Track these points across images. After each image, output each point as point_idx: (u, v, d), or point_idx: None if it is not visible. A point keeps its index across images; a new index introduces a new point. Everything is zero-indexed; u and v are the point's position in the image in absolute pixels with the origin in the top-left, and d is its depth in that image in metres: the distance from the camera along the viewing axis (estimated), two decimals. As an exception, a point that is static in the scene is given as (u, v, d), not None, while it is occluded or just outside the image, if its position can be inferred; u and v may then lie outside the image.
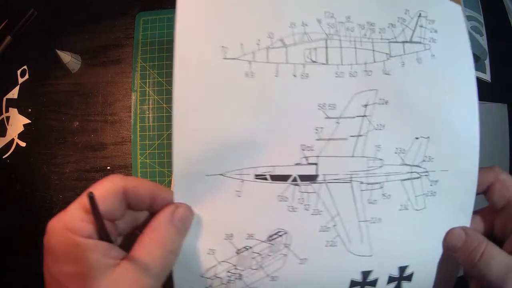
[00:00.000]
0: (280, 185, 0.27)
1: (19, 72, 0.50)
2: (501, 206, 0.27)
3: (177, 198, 0.25)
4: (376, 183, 0.28)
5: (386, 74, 0.28)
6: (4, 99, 0.50)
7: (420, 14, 0.29)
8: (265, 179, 0.27)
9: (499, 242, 0.27)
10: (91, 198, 0.21)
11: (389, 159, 0.28)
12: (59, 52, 0.46)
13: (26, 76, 0.50)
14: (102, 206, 0.22)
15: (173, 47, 0.25)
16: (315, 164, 0.27)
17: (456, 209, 0.29)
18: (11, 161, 0.48)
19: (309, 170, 0.27)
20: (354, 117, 0.27)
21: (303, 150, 0.27)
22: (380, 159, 0.28)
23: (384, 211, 0.28)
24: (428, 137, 0.28)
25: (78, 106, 0.48)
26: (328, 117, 0.27)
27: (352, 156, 0.27)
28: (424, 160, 0.28)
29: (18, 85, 0.50)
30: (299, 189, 0.27)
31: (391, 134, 0.28)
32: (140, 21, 0.50)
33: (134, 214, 0.25)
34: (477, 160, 0.28)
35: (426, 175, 0.28)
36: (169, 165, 0.46)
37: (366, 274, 0.29)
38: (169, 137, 0.39)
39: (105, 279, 0.20)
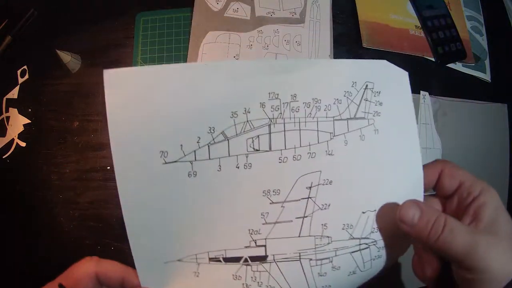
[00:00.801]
0: (233, 265, 0.28)
1: (19, 72, 0.50)
2: (453, 191, 0.28)
3: (143, 284, 0.27)
4: (326, 258, 0.29)
5: (330, 154, 0.28)
6: (4, 99, 0.50)
7: (366, 85, 0.28)
8: (219, 261, 0.28)
9: None
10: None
11: (337, 235, 0.29)
12: (59, 52, 0.46)
13: (26, 76, 0.50)
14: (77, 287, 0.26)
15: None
16: (264, 246, 0.28)
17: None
18: (11, 161, 0.48)
19: (259, 252, 0.28)
20: (299, 200, 0.28)
21: (251, 234, 0.28)
22: (328, 237, 0.29)
23: (334, 279, 0.29)
24: (375, 210, 0.29)
25: (78, 106, 0.48)
26: (273, 203, 0.28)
27: (299, 236, 0.28)
28: (372, 232, 0.29)
29: (18, 85, 0.50)
30: (251, 268, 0.28)
31: (336, 212, 0.29)
32: (140, 21, 0.50)
33: None
34: None
35: (374, 244, 0.29)
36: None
37: None
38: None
39: None
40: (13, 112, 0.49)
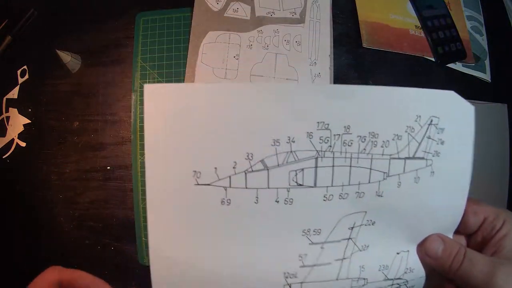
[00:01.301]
0: None
1: (19, 72, 0.50)
2: (477, 228, 0.28)
3: None
4: None
5: (379, 196, 0.26)
6: (4, 99, 0.50)
7: (431, 121, 0.25)
8: None
9: None
10: None
11: (373, 277, 0.28)
12: (59, 52, 0.46)
13: (26, 76, 0.50)
14: None
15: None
16: None
17: None
18: (11, 161, 0.48)
19: None
20: (339, 241, 0.26)
21: (286, 277, 0.26)
22: (364, 279, 0.27)
23: None
24: (408, 251, 0.28)
25: (78, 106, 0.48)
26: (312, 243, 0.26)
27: (337, 279, 0.27)
28: (405, 272, 0.28)
29: (18, 85, 0.50)
30: None
31: (374, 253, 0.27)
32: (140, 21, 0.50)
33: None
34: None
35: (405, 284, 0.29)
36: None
37: None
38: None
39: None
40: (13, 112, 0.49)
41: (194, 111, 0.23)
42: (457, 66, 0.50)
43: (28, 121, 0.49)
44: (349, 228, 0.26)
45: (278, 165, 0.24)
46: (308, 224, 0.25)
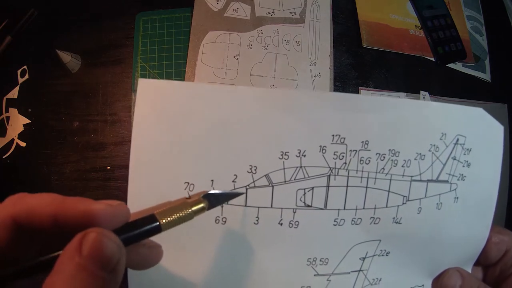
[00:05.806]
0: None
1: (19, 72, 0.50)
2: (497, 260, 0.26)
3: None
4: None
5: (397, 222, 0.23)
6: (4, 99, 0.50)
7: (457, 140, 0.23)
8: None
9: None
10: None
11: None
12: (59, 52, 0.46)
13: (26, 76, 0.50)
14: None
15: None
16: None
17: None
18: (11, 161, 0.48)
19: None
20: (348, 273, 0.23)
21: None
22: None
23: None
24: (423, 285, 0.25)
25: (78, 106, 0.48)
26: (318, 274, 0.23)
27: None
28: None
29: (18, 85, 0.50)
30: None
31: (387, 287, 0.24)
32: (140, 21, 0.50)
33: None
34: None
35: None
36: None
37: None
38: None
39: None
40: (13, 112, 0.49)
41: (192, 113, 0.20)
42: (457, 66, 0.50)
43: (28, 121, 0.49)
44: (360, 259, 0.23)
45: (285, 181, 0.21)
46: (314, 252, 0.22)
